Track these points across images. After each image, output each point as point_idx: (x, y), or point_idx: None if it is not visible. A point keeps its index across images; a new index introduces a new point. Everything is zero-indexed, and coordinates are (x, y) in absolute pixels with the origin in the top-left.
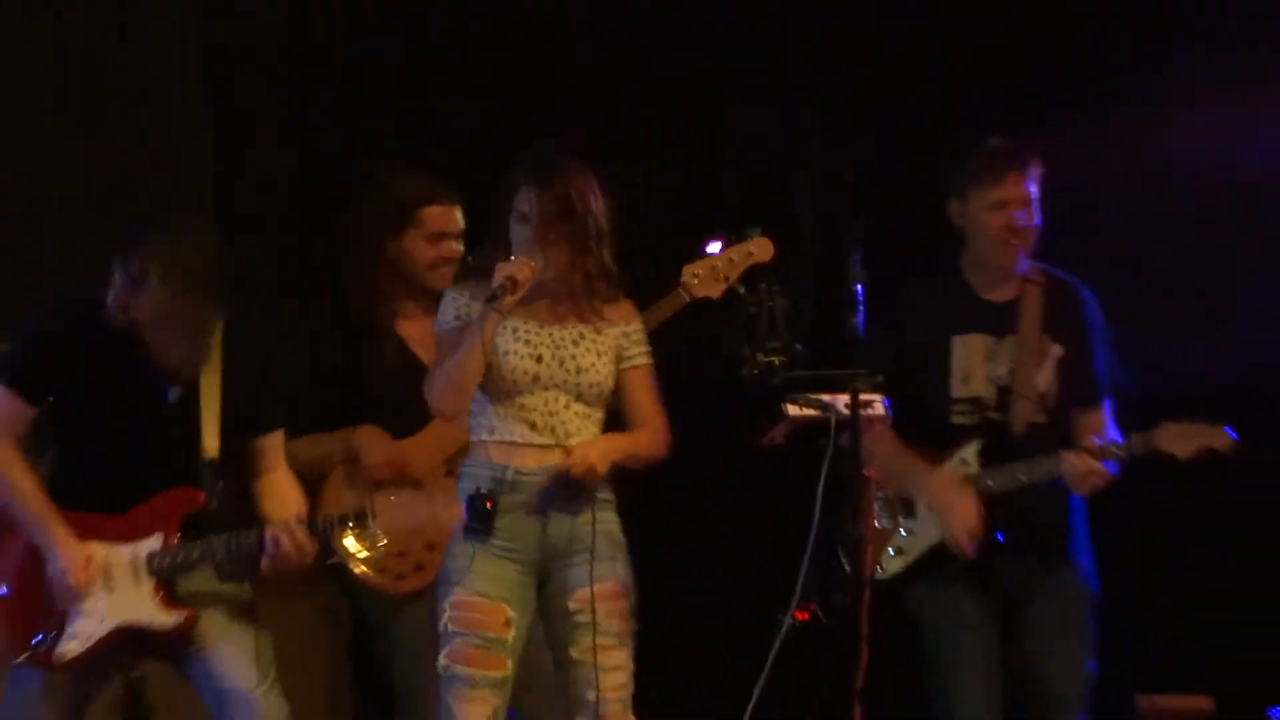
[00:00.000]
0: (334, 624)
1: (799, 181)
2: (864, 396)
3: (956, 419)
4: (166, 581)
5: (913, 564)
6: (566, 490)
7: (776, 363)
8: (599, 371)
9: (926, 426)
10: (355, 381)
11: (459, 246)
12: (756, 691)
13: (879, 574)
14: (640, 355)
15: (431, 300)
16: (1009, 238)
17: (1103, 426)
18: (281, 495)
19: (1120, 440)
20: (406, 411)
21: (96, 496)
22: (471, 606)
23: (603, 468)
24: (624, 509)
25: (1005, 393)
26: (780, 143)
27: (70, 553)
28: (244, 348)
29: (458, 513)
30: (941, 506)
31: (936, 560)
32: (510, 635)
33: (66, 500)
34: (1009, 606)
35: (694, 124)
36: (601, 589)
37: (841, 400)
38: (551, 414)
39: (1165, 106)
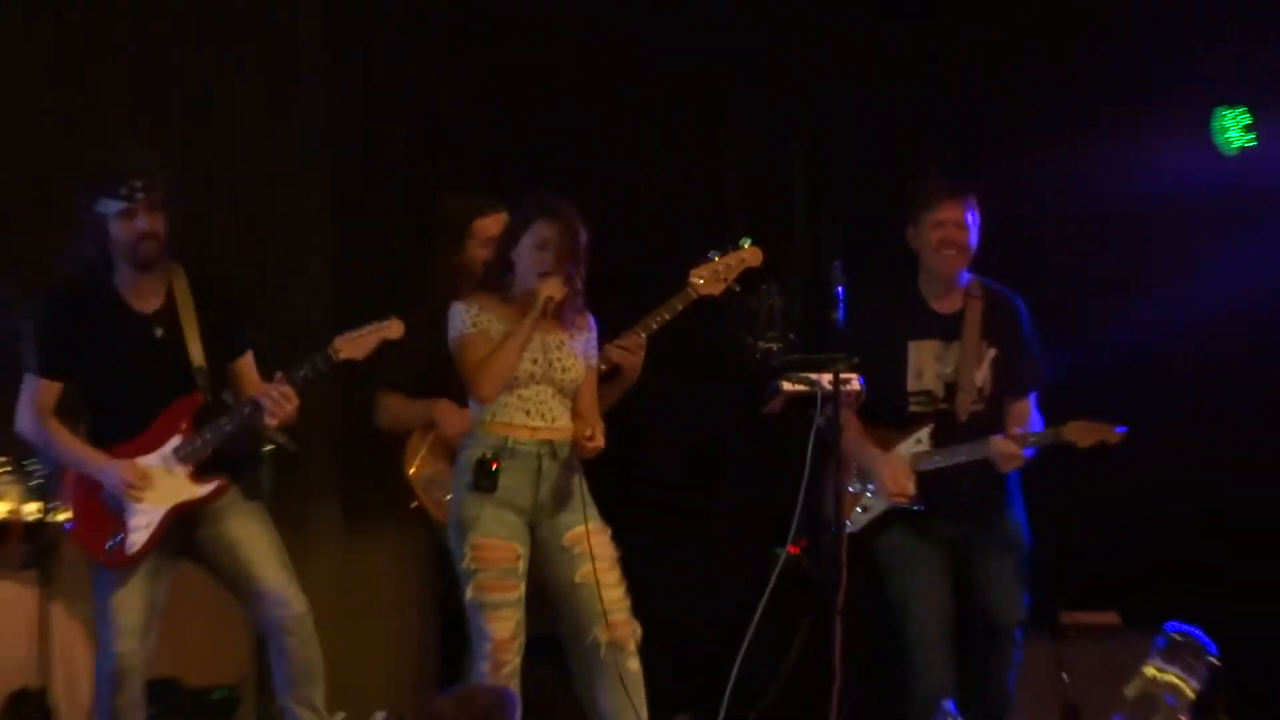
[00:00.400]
0: (416, 556)
1: (793, 193)
2: (843, 375)
3: (913, 408)
4: (195, 464)
5: (876, 519)
6: (573, 455)
7: (774, 349)
8: (576, 370)
9: (888, 411)
10: (437, 362)
11: None
12: (756, 617)
13: (850, 527)
14: (594, 358)
15: None
16: (944, 249)
17: (1027, 415)
18: (257, 381)
19: (1037, 430)
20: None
21: (125, 430)
22: (489, 547)
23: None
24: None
25: (952, 388)
26: (779, 146)
27: (116, 466)
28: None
29: None
30: (877, 474)
31: (893, 518)
32: (520, 566)
33: (104, 443)
34: (961, 557)
35: (694, 124)
36: (593, 526)
37: (825, 378)
38: (541, 403)
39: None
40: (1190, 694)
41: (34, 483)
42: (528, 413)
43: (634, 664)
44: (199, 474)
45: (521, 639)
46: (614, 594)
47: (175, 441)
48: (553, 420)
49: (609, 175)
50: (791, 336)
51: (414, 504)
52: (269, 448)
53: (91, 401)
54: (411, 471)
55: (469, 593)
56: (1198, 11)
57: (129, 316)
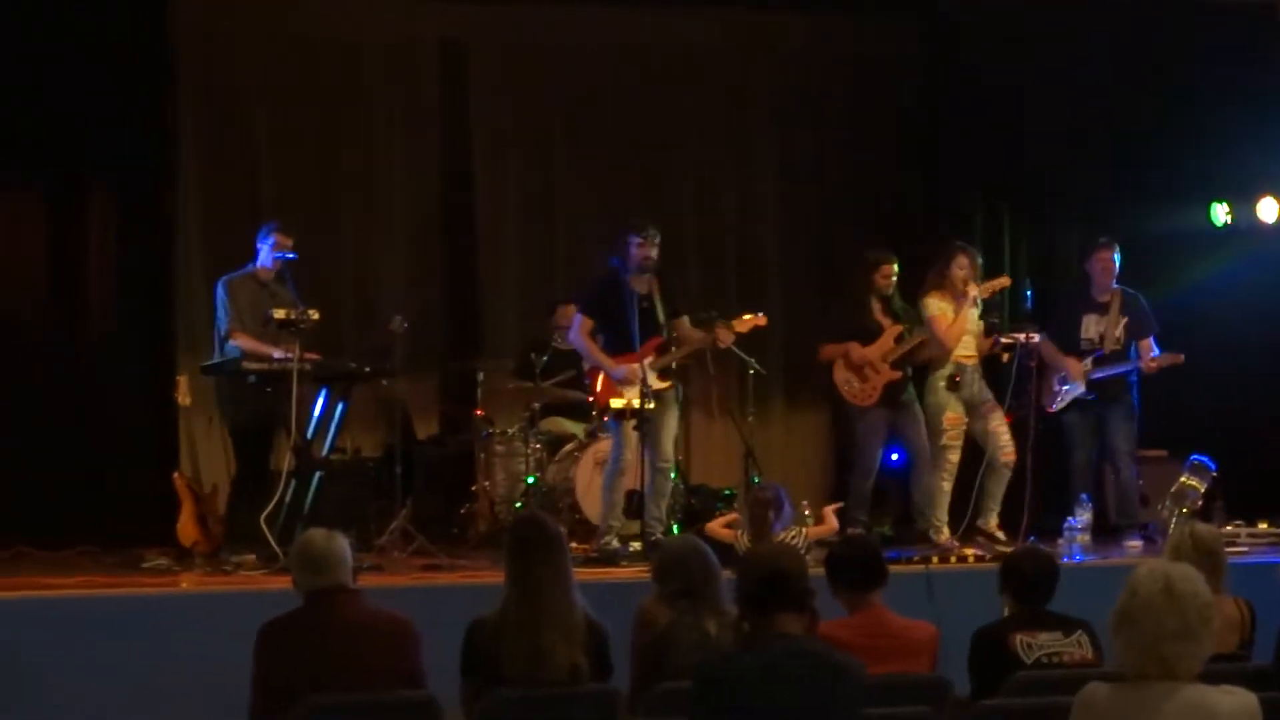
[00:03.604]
0: (822, 426)
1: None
2: (1030, 335)
3: (1083, 346)
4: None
5: (1064, 406)
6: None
7: (996, 321)
8: None
9: (1073, 348)
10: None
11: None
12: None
13: (1052, 407)
14: None
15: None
16: (1104, 276)
17: (1151, 348)
18: (688, 331)
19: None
20: None
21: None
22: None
23: None
24: None
25: (1103, 337)
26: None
27: (623, 370)
28: None
29: None
30: (1070, 371)
31: (1070, 405)
32: None
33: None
34: (1104, 422)
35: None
36: None
37: (1020, 336)
38: None
39: None
40: (1201, 491)
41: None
42: None
43: None
44: (660, 376)
45: None
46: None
47: (650, 359)
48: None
49: None
50: (998, 319)
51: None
52: (751, 372)
53: (608, 332)
54: (836, 378)
55: None
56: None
57: (631, 293)
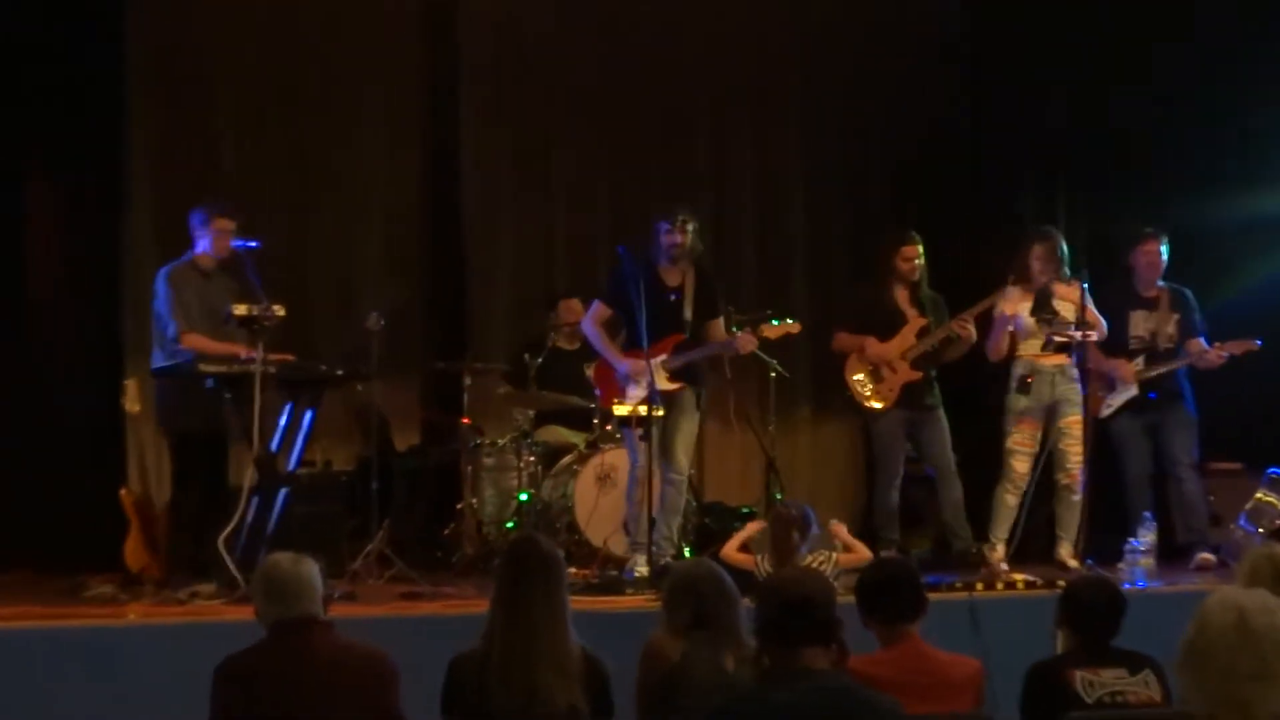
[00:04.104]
0: (847, 430)
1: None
2: (1088, 332)
3: (1133, 345)
4: (669, 371)
5: (1114, 411)
6: None
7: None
8: None
9: (1122, 348)
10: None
11: None
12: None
13: (1102, 414)
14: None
15: None
16: (1149, 271)
17: (1201, 344)
18: (720, 333)
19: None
20: None
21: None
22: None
23: None
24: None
25: (1155, 335)
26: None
27: (630, 364)
28: None
29: None
30: (1120, 374)
31: (1120, 410)
32: None
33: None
34: (1158, 429)
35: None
36: None
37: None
38: None
39: None
40: None
41: None
42: None
43: None
44: (671, 378)
45: None
46: None
47: (662, 357)
48: None
49: None
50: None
51: (846, 394)
52: (773, 375)
53: (628, 324)
54: (847, 376)
55: None
56: None
57: (662, 288)
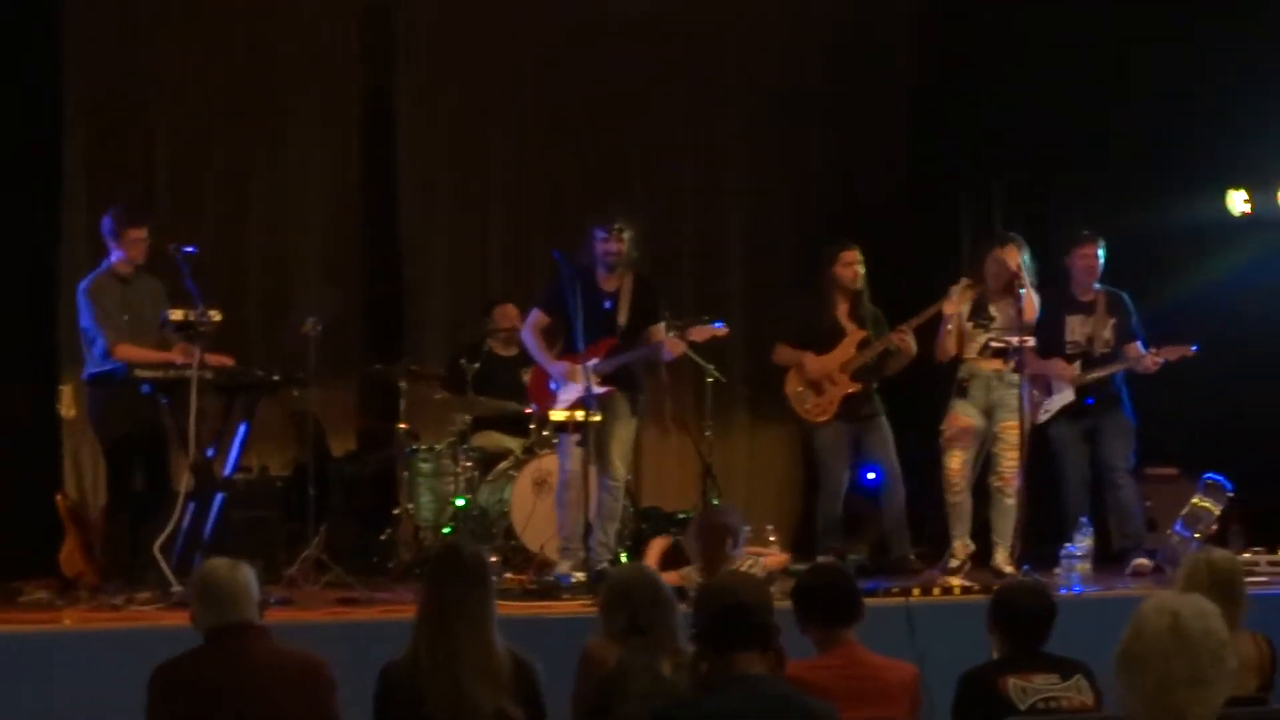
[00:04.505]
0: (784, 440)
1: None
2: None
3: (1069, 350)
4: (601, 376)
5: (1051, 418)
6: None
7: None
8: None
9: (1059, 350)
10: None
11: None
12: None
13: (1039, 419)
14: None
15: None
16: (1086, 275)
17: (1139, 349)
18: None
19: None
20: None
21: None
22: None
23: None
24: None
25: (1091, 340)
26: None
27: (561, 368)
28: None
29: None
30: (1058, 375)
31: (1058, 416)
32: None
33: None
34: (1095, 435)
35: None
36: None
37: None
38: None
39: None
40: (1216, 514)
41: None
42: None
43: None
44: (602, 382)
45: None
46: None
47: (593, 361)
48: None
49: None
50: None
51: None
52: (710, 380)
53: (566, 331)
54: (787, 390)
55: None
56: None
57: (598, 293)
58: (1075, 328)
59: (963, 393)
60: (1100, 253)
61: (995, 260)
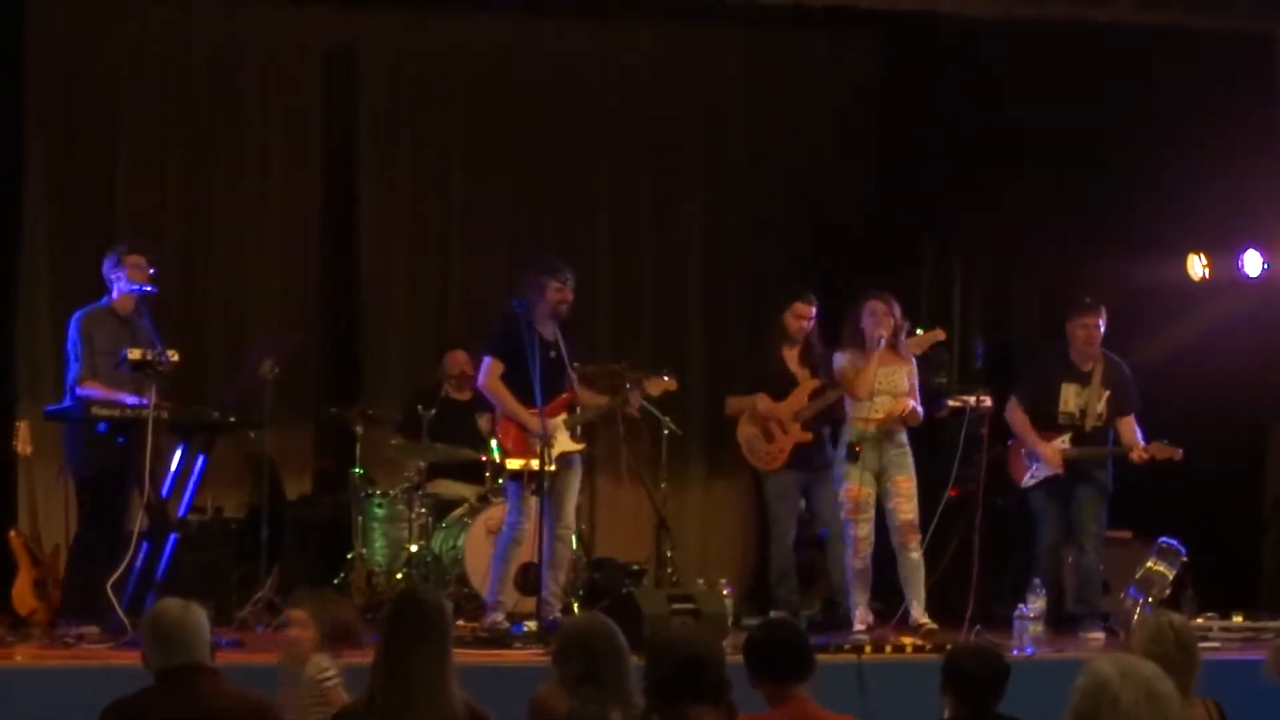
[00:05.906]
0: (740, 489)
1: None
2: (980, 397)
3: (1061, 421)
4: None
5: (1037, 482)
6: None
7: (943, 383)
8: None
9: (1048, 421)
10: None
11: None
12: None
13: (1023, 484)
14: None
15: None
16: (1087, 345)
17: (1134, 430)
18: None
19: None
20: None
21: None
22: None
23: None
24: None
25: (1084, 413)
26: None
27: (545, 423)
28: None
29: None
30: (1042, 454)
31: (1042, 482)
32: None
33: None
34: (1072, 503)
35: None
36: None
37: (971, 399)
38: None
39: None
40: (1170, 578)
41: None
42: None
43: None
44: (574, 438)
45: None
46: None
47: (563, 417)
48: None
49: None
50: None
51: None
52: (666, 432)
53: (517, 383)
54: (740, 435)
55: None
56: None
57: (549, 343)
58: (1070, 398)
59: (854, 458)
60: (1101, 322)
61: (871, 313)
